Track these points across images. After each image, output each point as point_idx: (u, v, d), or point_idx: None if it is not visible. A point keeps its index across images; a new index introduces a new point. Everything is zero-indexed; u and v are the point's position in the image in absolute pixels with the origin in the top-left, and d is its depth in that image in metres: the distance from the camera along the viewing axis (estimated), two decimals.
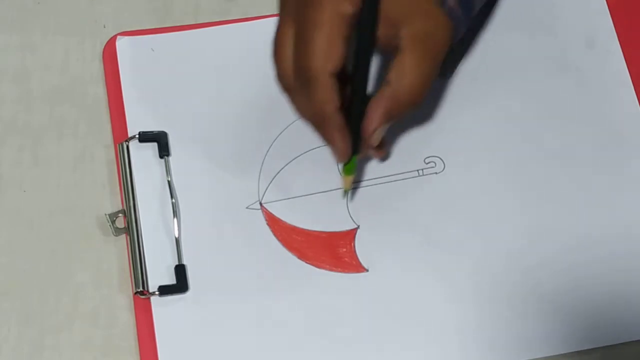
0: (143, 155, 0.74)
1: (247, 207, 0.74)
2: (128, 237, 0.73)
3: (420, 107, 0.68)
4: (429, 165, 0.75)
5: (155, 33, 0.77)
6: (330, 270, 0.73)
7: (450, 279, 0.72)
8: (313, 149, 0.75)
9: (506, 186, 0.75)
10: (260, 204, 0.74)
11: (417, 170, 0.75)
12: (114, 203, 0.74)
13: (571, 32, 0.79)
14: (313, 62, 0.63)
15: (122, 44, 0.77)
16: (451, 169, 0.75)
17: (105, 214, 0.73)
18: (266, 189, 0.74)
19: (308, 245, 0.73)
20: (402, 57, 0.65)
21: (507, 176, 0.75)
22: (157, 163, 0.74)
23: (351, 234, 0.73)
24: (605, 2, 0.79)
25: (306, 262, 0.73)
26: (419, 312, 0.72)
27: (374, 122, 0.67)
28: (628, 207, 0.74)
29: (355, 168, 0.71)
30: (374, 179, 0.74)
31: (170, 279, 0.71)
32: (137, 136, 0.74)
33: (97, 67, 0.77)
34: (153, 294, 0.71)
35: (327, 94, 0.64)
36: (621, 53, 0.78)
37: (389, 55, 0.66)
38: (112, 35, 0.77)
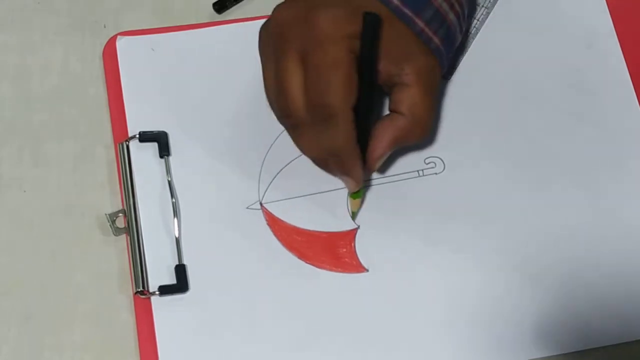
0: (143, 155, 0.74)
1: (247, 207, 0.74)
2: (128, 237, 0.73)
3: (427, 139, 0.73)
4: (429, 166, 0.75)
5: (155, 33, 0.77)
6: (331, 270, 0.73)
7: (450, 279, 0.72)
8: None
9: (506, 186, 0.75)
10: (261, 204, 0.74)
11: (418, 171, 0.75)
12: (114, 203, 0.74)
13: (571, 32, 0.79)
14: (334, 99, 0.65)
15: (122, 44, 0.77)
16: (451, 169, 0.75)
17: (106, 214, 0.73)
18: (266, 189, 0.74)
19: (308, 246, 0.73)
20: (412, 91, 0.68)
21: (507, 176, 0.75)
22: (157, 163, 0.74)
23: (351, 234, 0.73)
24: (605, 2, 0.79)
25: (306, 262, 0.73)
26: (419, 312, 0.72)
27: (382, 149, 0.70)
28: (628, 207, 0.75)
29: (363, 191, 0.73)
30: (375, 179, 0.74)
31: (170, 279, 0.71)
32: (137, 136, 0.74)
33: (97, 67, 0.77)
34: (153, 293, 0.71)
35: (351, 127, 0.67)
36: (621, 53, 0.78)
37: (385, 89, 0.69)
38: (112, 35, 0.77)
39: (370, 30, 0.66)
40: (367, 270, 0.73)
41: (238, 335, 0.71)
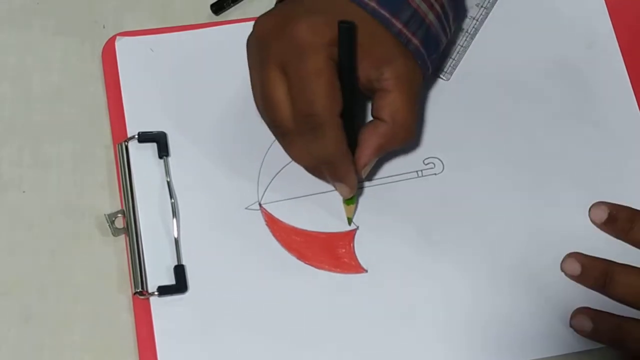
0: (142, 156, 0.74)
1: (246, 208, 0.74)
2: (127, 238, 0.73)
3: (411, 143, 0.73)
4: (428, 166, 0.75)
5: (154, 33, 0.77)
6: (330, 270, 0.73)
7: (449, 280, 0.72)
8: None
9: (505, 187, 0.75)
10: (260, 204, 0.74)
11: (417, 171, 0.75)
12: (113, 203, 0.74)
13: (570, 32, 0.79)
14: (320, 108, 0.65)
15: (121, 44, 0.77)
16: (450, 169, 0.75)
17: (105, 214, 0.73)
18: (265, 189, 0.74)
19: (307, 246, 0.73)
20: (392, 96, 0.68)
21: (506, 177, 0.75)
22: (156, 163, 0.74)
23: (350, 235, 0.73)
24: (604, 3, 0.79)
25: (305, 263, 0.73)
26: (417, 312, 0.72)
27: (368, 156, 0.69)
28: None
29: (356, 197, 0.73)
30: (374, 179, 0.74)
31: (169, 279, 0.72)
32: (136, 136, 0.74)
33: (96, 67, 0.77)
34: (152, 294, 0.71)
35: (340, 134, 0.67)
36: (620, 54, 0.78)
37: (366, 95, 0.69)
38: (111, 35, 0.77)
39: (346, 38, 0.65)
40: (366, 271, 0.73)
41: (237, 336, 0.71)
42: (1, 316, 0.71)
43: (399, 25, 0.68)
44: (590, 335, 0.71)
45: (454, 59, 0.78)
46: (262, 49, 0.67)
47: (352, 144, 0.69)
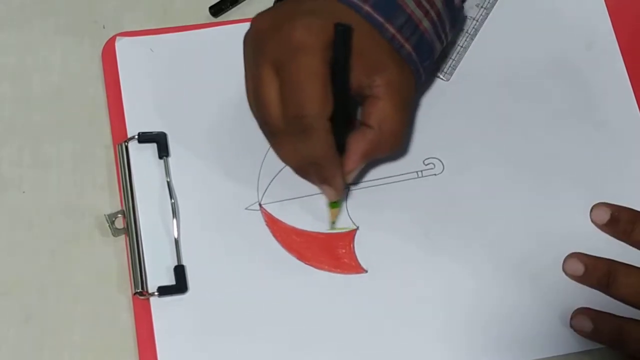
0: (142, 156, 0.74)
1: (246, 208, 0.74)
2: (127, 238, 0.73)
3: (400, 151, 0.73)
4: (428, 167, 0.75)
5: (154, 34, 0.77)
6: (330, 271, 0.73)
7: (449, 280, 0.72)
8: None
9: (505, 187, 0.75)
10: (260, 204, 0.74)
11: (416, 172, 0.75)
12: (113, 204, 0.74)
13: (570, 33, 0.79)
14: (310, 110, 0.65)
15: (121, 44, 0.77)
16: (450, 170, 0.75)
17: (105, 215, 0.73)
18: (265, 189, 0.74)
19: (307, 246, 0.73)
20: (382, 104, 0.68)
21: (506, 177, 0.75)
22: (156, 164, 0.74)
23: (350, 235, 0.73)
24: (604, 4, 0.79)
25: (305, 263, 0.73)
26: (417, 313, 0.72)
27: (354, 162, 0.69)
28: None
29: (341, 201, 0.73)
30: (373, 180, 0.75)
31: (169, 280, 0.72)
32: (136, 137, 0.74)
33: (96, 68, 0.77)
34: (152, 294, 0.71)
35: (329, 137, 0.67)
36: (620, 54, 0.78)
37: (358, 100, 0.69)
38: (111, 35, 0.77)
39: (342, 40, 0.65)
40: (366, 271, 0.73)
41: (237, 336, 0.71)
42: (1, 316, 0.71)
43: (392, 30, 0.67)
44: (590, 336, 0.71)
45: (454, 59, 0.78)
46: (257, 47, 0.67)
47: (341, 148, 0.69)
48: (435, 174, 0.75)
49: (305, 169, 0.70)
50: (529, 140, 0.76)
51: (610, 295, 0.71)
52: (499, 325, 0.71)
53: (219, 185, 0.74)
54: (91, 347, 0.71)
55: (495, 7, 0.79)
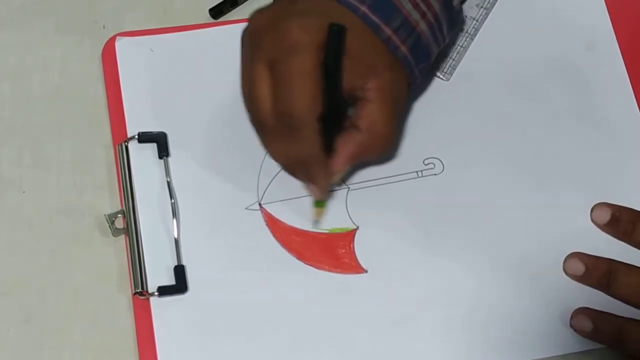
0: (142, 156, 0.74)
1: (246, 208, 0.74)
2: (127, 238, 0.73)
3: (388, 155, 0.73)
4: (428, 167, 0.75)
5: (154, 34, 0.77)
6: (330, 271, 0.73)
7: (449, 280, 0.72)
8: None
9: (505, 187, 0.75)
10: (260, 204, 0.74)
11: (416, 172, 0.75)
12: (113, 204, 0.74)
13: (570, 33, 0.79)
14: (301, 109, 0.65)
15: (121, 44, 0.77)
16: (450, 170, 0.75)
17: (105, 215, 0.73)
18: (265, 189, 0.74)
19: (307, 246, 0.73)
20: (373, 107, 0.68)
21: (506, 177, 0.75)
22: (156, 164, 0.74)
23: (350, 235, 0.73)
24: (604, 4, 0.79)
25: (305, 263, 0.73)
26: (417, 312, 0.72)
27: (341, 164, 0.69)
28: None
29: (326, 201, 0.73)
30: (373, 180, 0.75)
31: (169, 280, 0.72)
32: (136, 137, 0.74)
33: (96, 68, 0.77)
34: (152, 294, 0.71)
35: (317, 137, 0.67)
36: (620, 55, 0.78)
37: (349, 101, 0.69)
38: (111, 35, 0.77)
39: (335, 40, 0.65)
40: (366, 271, 0.73)
41: (237, 336, 0.71)
42: (1, 316, 0.71)
43: (388, 31, 0.67)
44: (591, 336, 0.71)
45: (454, 59, 0.78)
46: (253, 44, 0.67)
47: (330, 148, 0.69)
48: (435, 174, 0.75)
49: (293, 167, 0.70)
50: (529, 140, 0.76)
51: (611, 295, 0.71)
52: (499, 325, 0.72)
53: (219, 185, 0.74)
54: (91, 347, 0.71)
55: (495, 7, 0.79)
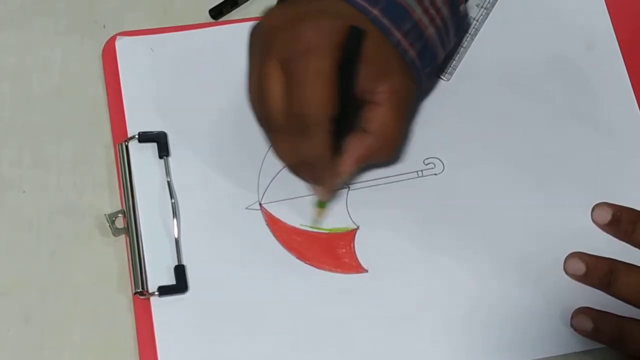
0: (142, 156, 0.74)
1: (246, 208, 0.74)
2: (127, 238, 0.73)
3: (396, 158, 0.73)
4: (428, 167, 0.75)
5: (154, 33, 0.77)
6: (330, 270, 0.73)
7: (449, 280, 0.72)
8: None
9: (506, 187, 0.75)
10: (260, 204, 0.74)
11: (417, 172, 0.75)
12: (114, 203, 0.74)
13: (570, 33, 0.79)
14: (315, 109, 0.65)
15: (121, 44, 0.77)
16: (450, 170, 0.75)
17: (105, 215, 0.73)
18: (266, 189, 0.74)
19: (308, 246, 0.73)
20: (382, 111, 0.68)
21: (507, 177, 0.75)
22: (156, 163, 0.74)
23: (351, 235, 0.73)
24: (604, 4, 0.79)
25: (306, 263, 0.73)
26: (418, 312, 0.72)
27: (349, 165, 0.70)
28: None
29: (329, 203, 0.73)
30: (374, 179, 0.75)
31: (169, 280, 0.72)
32: (136, 136, 0.74)
33: (96, 68, 0.77)
34: (152, 294, 0.71)
35: (327, 138, 0.67)
36: (620, 54, 0.78)
37: (358, 103, 0.69)
38: (111, 35, 0.77)
39: (354, 44, 0.65)
40: (367, 271, 0.73)
41: (237, 336, 0.71)
42: (1, 316, 0.71)
43: (398, 35, 0.67)
44: (591, 335, 0.71)
45: (454, 60, 0.78)
46: (266, 42, 0.67)
47: (337, 150, 0.69)
48: (435, 174, 0.75)
49: (299, 167, 0.70)
50: (529, 140, 0.76)
51: (611, 295, 0.71)
52: (499, 325, 0.72)
53: (219, 185, 0.74)
54: (91, 347, 0.71)
55: (495, 7, 0.79)
